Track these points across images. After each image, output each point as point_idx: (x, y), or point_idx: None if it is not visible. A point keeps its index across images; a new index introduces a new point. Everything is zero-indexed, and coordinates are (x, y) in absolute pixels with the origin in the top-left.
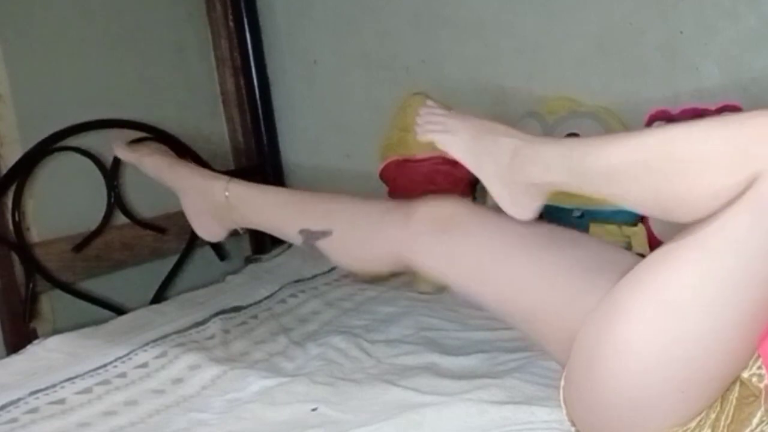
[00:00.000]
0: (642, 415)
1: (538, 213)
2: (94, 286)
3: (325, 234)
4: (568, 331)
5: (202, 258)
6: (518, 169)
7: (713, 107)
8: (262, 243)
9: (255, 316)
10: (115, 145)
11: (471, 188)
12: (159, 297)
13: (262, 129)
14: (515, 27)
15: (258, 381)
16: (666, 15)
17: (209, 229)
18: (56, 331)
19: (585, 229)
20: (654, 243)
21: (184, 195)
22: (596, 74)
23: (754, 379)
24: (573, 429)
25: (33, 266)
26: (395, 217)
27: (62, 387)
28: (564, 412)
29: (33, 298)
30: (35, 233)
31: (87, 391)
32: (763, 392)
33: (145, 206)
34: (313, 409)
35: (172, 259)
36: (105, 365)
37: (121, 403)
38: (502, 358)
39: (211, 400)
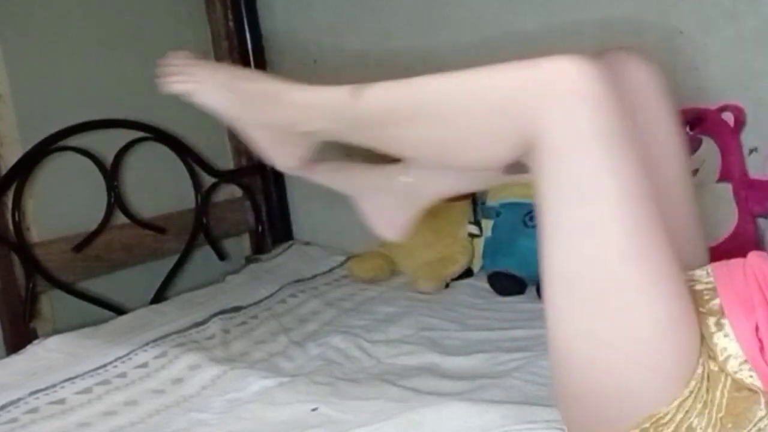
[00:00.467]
0: (623, 398)
1: (303, 162)
2: (94, 286)
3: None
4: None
5: (202, 258)
6: (280, 115)
7: (713, 107)
8: (262, 243)
9: (255, 316)
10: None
11: None
12: (159, 297)
13: None
14: (515, 27)
15: (258, 381)
16: (666, 15)
17: None
18: (56, 331)
19: None
20: None
21: None
22: None
23: (747, 380)
24: None
25: (33, 266)
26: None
27: (62, 387)
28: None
29: (33, 298)
30: (35, 233)
31: (87, 391)
32: (762, 390)
33: (145, 206)
34: (313, 409)
35: (172, 259)
36: (105, 365)
37: (121, 403)
38: (502, 358)
39: (211, 400)
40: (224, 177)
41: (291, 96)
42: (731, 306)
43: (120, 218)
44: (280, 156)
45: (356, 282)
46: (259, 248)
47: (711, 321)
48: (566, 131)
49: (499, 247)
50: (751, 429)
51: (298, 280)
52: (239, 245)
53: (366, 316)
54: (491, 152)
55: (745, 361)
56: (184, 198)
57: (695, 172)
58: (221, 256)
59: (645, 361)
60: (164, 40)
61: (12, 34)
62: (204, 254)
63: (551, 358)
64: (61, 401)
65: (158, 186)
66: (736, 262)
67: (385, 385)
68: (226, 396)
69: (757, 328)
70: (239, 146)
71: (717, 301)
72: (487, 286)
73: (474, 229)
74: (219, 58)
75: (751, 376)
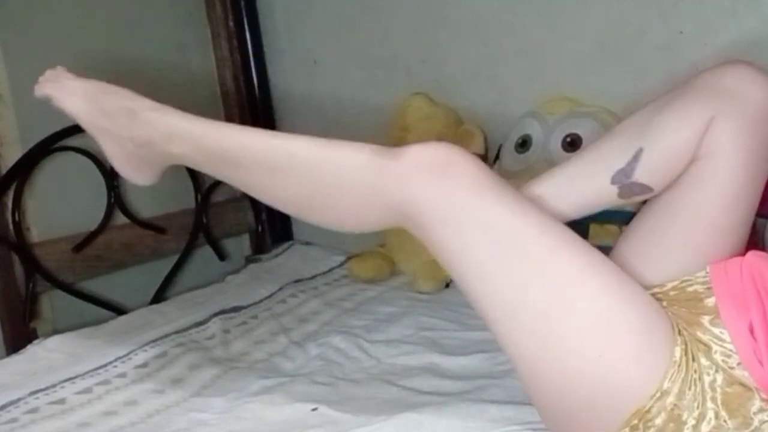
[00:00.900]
0: (603, 402)
1: (155, 181)
2: (94, 286)
3: None
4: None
5: (202, 258)
6: (137, 132)
7: None
8: (262, 243)
9: (255, 316)
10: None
11: None
12: (159, 297)
13: None
14: (515, 27)
15: (258, 381)
16: (666, 15)
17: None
18: (56, 331)
19: (584, 228)
20: None
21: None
22: (596, 74)
23: (741, 378)
24: None
25: (33, 266)
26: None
27: (62, 387)
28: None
29: (33, 298)
30: (35, 233)
31: (87, 391)
32: (755, 387)
33: (145, 206)
34: (313, 409)
35: (172, 259)
36: (105, 365)
37: (121, 403)
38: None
39: (211, 400)
40: None
41: (154, 116)
42: (726, 305)
43: (120, 218)
44: (131, 170)
45: (356, 282)
46: (259, 248)
47: (705, 319)
48: (443, 197)
49: None
50: (753, 425)
51: (298, 280)
52: (239, 245)
53: (366, 316)
54: (355, 222)
55: (739, 361)
56: (184, 198)
57: None
58: (221, 256)
59: (611, 359)
60: (164, 40)
61: (12, 34)
62: (204, 254)
63: (524, 385)
64: (61, 401)
65: (158, 186)
66: (733, 261)
67: (385, 385)
68: (226, 396)
69: (751, 327)
70: None
71: (712, 300)
72: None
73: None
74: (219, 58)
75: (744, 374)
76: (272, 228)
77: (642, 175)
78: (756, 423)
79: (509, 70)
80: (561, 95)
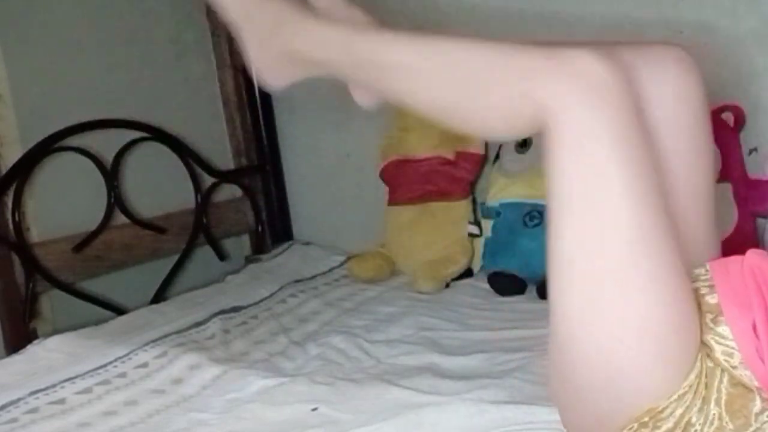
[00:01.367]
0: (623, 391)
1: (290, 84)
2: (94, 286)
3: None
4: None
5: (202, 258)
6: (289, 37)
7: (713, 107)
8: (262, 243)
9: (255, 316)
10: None
11: (471, 188)
12: (159, 297)
13: (262, 129)
14: (515, 27)
15: (258, 381)
16: (666, 15)
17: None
18: (56, 331)
19: None
20: None
21: None
22: None
23: (743, 378)
24: None
25: (33, 266)
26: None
27: (62, 387)
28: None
29: (33, 298)
30: (35, 233)
31: (87, 391)
32: (758, 387)
33: (145, 206)
34: (313, 409)
35: (172, 259)
36: (105, 365)
37: (121, 403)
38: (502, 358)
39: (211, 400)
40: (224, 177)
41: (309, 23)
42: (728, 304)
43: (120, 218)
44: (273, 75)
45: (356, 282)
46: (259, 248)
47: (708, 318)
48: (582, 121)
49: (499, 248)
50: (754, 426)
51: (298, 280)
52: (239, 245)
53: (366, 316)
54: (503, 126)
55: (741, 360)
56: (184, 198)
57: None
58: (221, 256)
59: (646, 353)
60: (164, 40)
61: (12, 34)
62: (204, 254)
63: (552, 349)
64: (61, 401)
65: (158, 186)
66: (734, 260)
67: (385, 385)
68: (226, 396)
69: (754, 327)
70: (239, 146)
71: (714, 299)
72: (487, 286)
73: (474, 229)
74: (219, 58)
75: (747, 374)
76: (272, 228)
77: None
78: (757, 424)
79: None
80: None
